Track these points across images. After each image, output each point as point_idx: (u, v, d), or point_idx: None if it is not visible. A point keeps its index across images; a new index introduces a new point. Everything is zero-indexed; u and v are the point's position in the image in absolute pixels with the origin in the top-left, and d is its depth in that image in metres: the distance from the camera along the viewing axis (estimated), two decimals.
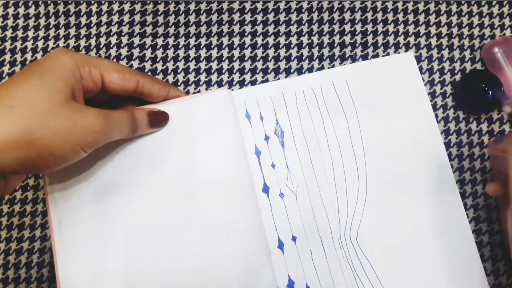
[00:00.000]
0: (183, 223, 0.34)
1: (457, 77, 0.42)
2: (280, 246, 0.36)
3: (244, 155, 0.37)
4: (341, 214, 0.37)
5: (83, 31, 0.42)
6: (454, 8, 0.43)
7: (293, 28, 0.43)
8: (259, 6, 0.43)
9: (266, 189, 0.38)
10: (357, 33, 0.42)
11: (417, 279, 0.37)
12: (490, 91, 0.39)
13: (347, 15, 0.43)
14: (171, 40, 0.42)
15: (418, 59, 0.42)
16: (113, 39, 0.42)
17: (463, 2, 0.43)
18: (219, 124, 0.36)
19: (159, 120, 0.34)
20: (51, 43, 0.42)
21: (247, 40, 0.42)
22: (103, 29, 0.42)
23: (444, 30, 0.43)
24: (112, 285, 0.33)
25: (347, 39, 0.42)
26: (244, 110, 0.39)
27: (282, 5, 0.43)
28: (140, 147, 0.35)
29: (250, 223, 0.35)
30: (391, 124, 0.39)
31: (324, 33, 0.42)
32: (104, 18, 0.43)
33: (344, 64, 0.42)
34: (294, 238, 0.37)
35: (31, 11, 0.43)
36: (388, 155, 0.39)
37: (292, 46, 0.42)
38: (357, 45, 0.42)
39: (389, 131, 0.39)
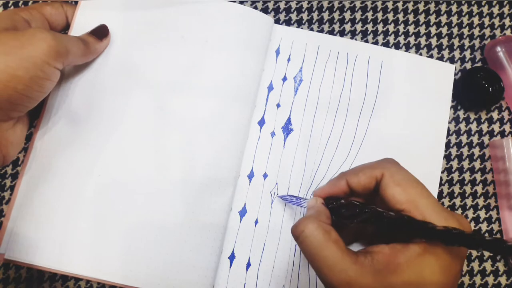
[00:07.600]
0: (169, 120, 0.36)
1: (457, 77, 0.42)
2: (250, 176, 0.37)
3: (256, 79, 0.38)
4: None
5: None
6: (454, 8, 0.43)
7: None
8: (259, 6, 0.43)
9: (261, 122, 0.38)
10: (357, 32, 0.42)
11: None
12: (490, 88, 0.39)
13: (347, 15, 0.43)
14: None
15: None
16: None
17: (463, 2, 0.43)
18: (248, 42, 0.38)
19: (101, 31, 0.36)
20: None
21: None
22: None
23: (444, 30, 0.43)
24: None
25: (347, 38, 0.42)
26: (277, 45, 0.40)
27: (282, 5, 0.43)
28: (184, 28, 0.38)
29: (234, 129, 0.36)
30: (404, 125, 0.39)
31: (324, 33, 0.42)
32: None
33: None
34: (265, 175, 0.37)
35: None
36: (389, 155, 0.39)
37: None
38: None
39: (400, 131, 0.39)
